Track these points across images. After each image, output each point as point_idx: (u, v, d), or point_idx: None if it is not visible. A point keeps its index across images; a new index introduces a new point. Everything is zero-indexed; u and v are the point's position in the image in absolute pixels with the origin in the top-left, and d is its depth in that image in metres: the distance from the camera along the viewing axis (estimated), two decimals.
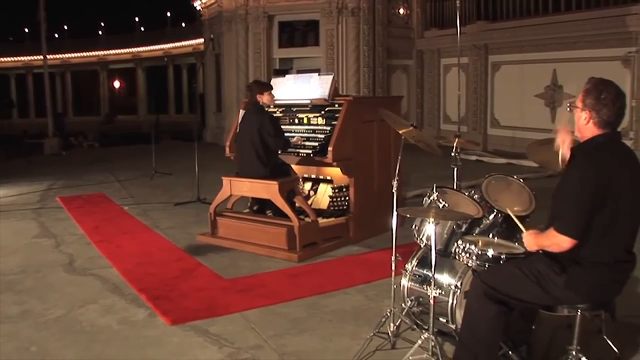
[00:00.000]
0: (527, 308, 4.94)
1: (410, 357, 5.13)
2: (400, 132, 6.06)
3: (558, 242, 4.34)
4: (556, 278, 4.48)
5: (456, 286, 5.54)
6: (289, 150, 9.78)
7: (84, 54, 56.87)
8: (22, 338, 6.24)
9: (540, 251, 4.63)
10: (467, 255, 5.13)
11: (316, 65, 23.27)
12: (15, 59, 55.99)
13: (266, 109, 9.73)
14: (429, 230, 5.39)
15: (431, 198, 5.88)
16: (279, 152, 9.60)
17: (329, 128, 9.80)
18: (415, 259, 6.05)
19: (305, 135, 10.09)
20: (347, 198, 10.00)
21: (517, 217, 5.54)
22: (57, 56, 52.90)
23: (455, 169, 6.90)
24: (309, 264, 8.80)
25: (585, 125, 4.52)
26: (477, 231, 5.84)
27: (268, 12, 24.35)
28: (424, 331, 5.41)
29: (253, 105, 9.59)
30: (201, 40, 36.27)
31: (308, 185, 10.75)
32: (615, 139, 4.53)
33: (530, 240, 4.64)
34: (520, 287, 4.61)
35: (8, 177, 17.57)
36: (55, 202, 13.76)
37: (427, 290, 5.41)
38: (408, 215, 5.56)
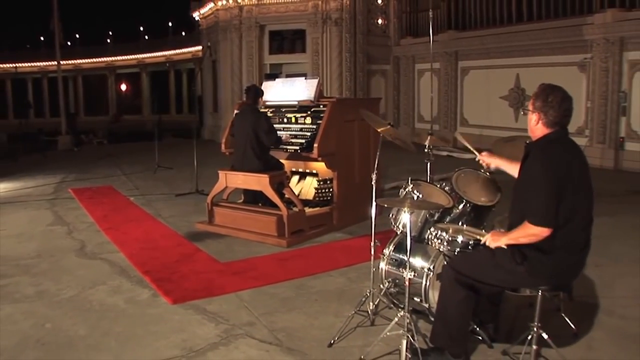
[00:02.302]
0: (493, 290, 4.96)
1: (388, 333, 5.12)
2: (379, 130, 6.04)
3: (536, 233, 4.37)
4: (518, 267, 4.50)
5: (429, 269, 5.54)
6: (279, 146, 9.78)
7: (94, 59, 56.55)
8: (38, 316, 6.24)
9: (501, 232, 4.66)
10: (439, 241, 5.13)
11: (303, 70, 23.22)
12: (32, 64, 55.63)
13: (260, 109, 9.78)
14: (405, 218, 5.40)
15: (407, 189, 5.88)
16: (271, 147, 9.57)
17: (314, 126, 9.79)
18: (392, 244, 6.06)
19: (293, 133, 10.08)
20: (331, 190, 10.02)
21: (482, 206, 5.61)
22: (70, 62, 52.57)
23: (428, 164, 6.88)
24: (297, 249, 8.80)
25: (535, 125, 4.64)
26: (448, 219, 5.84)
27: (260, 22, 24.38)
28: (400, 309, 5.41)
29: (250, 106, 9.61)
30: (199, 47, 36.21)
31: (296, 178, 10.75)
32: (564, 135, 4.62)
33: (496, 239, 4.65)
34: (486, 273, 4.66)
35: (25, 170, 17.57)
36: (67, 194, 13.72)
37: (403, 272, 5.41)
38: (386, 205, 5.54)
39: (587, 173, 4.62)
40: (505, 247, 4.57)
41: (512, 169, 5.16)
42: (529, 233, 4.41)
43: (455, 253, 5.02)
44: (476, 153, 5.59)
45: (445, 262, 5.21)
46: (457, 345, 4.79)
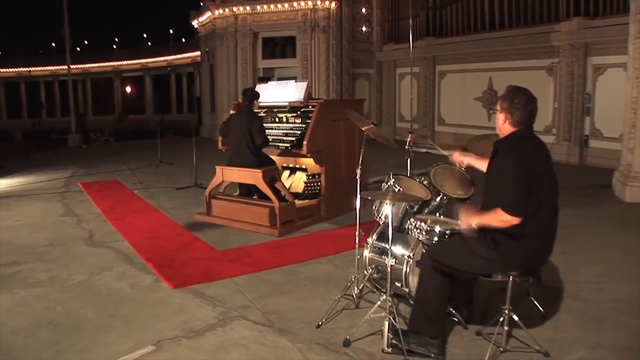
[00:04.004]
0: (468, 276, 4.97)
1: (371, 315, 5.12)
2: (363, 129, 6.04)
3: (506, 220, 4.38)
4: (491, 252, 4.52)
5: (409, 256, 5.55)
6: (271, 144, 9.77)
7: (101, 64, 56.43)
8: (50, 299, 6.24)
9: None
10: (418, 231, 5.13)
11: (293, 73, 23.26)
12: (44, 68, 55.48)
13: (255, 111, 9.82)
14: (387, 210, 5.41)
15: (388, 183, 5.88)
16: (261, 147, 9.56)
17: (304, 125, 9.81)
18: (375, 233, 6.07)
19: (284, 131, 10.09)
20: (319, 183, 10.01)
21: (458, 198, 5.66)
22: (79, 66, 52.38)
23: (409, 160, 6.87)
24: (288, 238, 8.81)
25: (502, 124, 4.67)
26: (426, 211, 5.84)
27: (253, 29, 24.33)
28: (382, 294, 5.41)
29: (246, 107, 9.63)
30: (198, 53, 36.08)
31: (287, 173, 10.75)
32: (529, 132, 4.64)
33: (469, 216, 4.66)
34: (461, 260, 4.67)
35: (38, 166, 17.52)
36: (77, 187, 13.67)
37: (385, 259, 5.44)
38: (369, 198, 5.54)
39: (552, 167, 4.63)
40: (477, 232, 4.60)
41: (482, 165, 5.20)
42: (500, 219, 4.41)
43: (433, 242, 5.02)
44: (448, 155, 5.62)
45: (424, 251, 5.23)
46: (435, 328, 4.79)
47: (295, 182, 10.60)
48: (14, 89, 57.07)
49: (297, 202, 9.65)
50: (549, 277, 6.55)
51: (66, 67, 28.15)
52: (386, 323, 4.79)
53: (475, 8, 21.23)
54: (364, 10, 25.60)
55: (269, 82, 11.19)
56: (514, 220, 4.36)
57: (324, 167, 9.86)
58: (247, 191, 10.03)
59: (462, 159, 5.54)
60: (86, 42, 57.45)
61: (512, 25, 19.44)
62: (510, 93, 4.62)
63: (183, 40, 50.41)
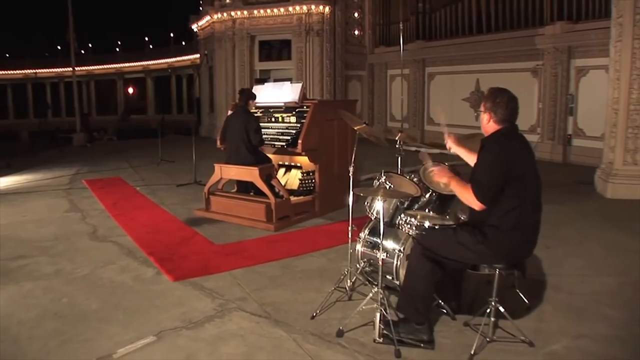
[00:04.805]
0: (456, 268, 4.98)
1: (364, 307, 5.13)
2: (355, 128, 6.04)
3: (471, 200, 4.53)
4: (478, 245, 4.56)
5: (400, 250, 5.55)
6: (267, 143, 9.78)
7: (105, 66, 56.26)
8: (56, 291, 6.24)
9: (463, 217, 4.71)
10: (409, 226, 5.15)
11: (289, 75, 23.26)
12: (50, 70, 55.33)
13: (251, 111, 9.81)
14: (378, 206, 5.41)
15: (380, 180, 5.87)
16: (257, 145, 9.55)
17: (299, 125, 9.79)
18: (367, 228, 6.06)
19: (280, 130, 10.09)
20: (313, 180, 10.01)
21: (447, 195, 5.65)
22: (84, 68, 52.15)
23: (399, 158, 6.87)
24: (283, 233, 8.79)
25: (487, 124, 4.74)
26: (416, 207, 5.84)
27: (250, 33, 24.35)
28: (374, 286, 5.41)
29: (242, 107, 9.63)
30: (197, 55, 36.08)
31: (282, 170, 10.75)
32: (513, 130, 4.70)
33: (443, 173, 4.86)
34: (450, 248, 4.70)
35: (44, 164, 17.45)
36: (81, 184, 13.62)
37: (376, 253, 5.43)
38: (361, 194, 5.53)
39: (534, 163, 4.69)
40: (467, 226, 4.64)
41: (469, 159, 5.21)
42: (467, 196, 4.56)
43: (423, 232, 5.04)
44: (445, 133, 5.59)
45: (414, 237, 5.24)
46: (420, 314, 4.80)
47: (291, 179, 10.60)
48: (20, 90, 56.91)
49: (292, 198, 9.65)
50: (534, 270, 6.58)
51: (71, 69, 28.04)
52: (378, 314, 4.80)
53: (464, 13, 21.28)
54: (356, 14, 25.61)
55: (266, 84, 11.16)
56: (477, 204, 4.48)
57: (318, 165, 9.86)
58: (245, 188, 10.02)
59: (452, 145, 5.50)
60: (90, 45, 57.38)
61: (499, 29, 19.50)
62: (492, 94, 4.71)
63: (183, 43, 50.31)
